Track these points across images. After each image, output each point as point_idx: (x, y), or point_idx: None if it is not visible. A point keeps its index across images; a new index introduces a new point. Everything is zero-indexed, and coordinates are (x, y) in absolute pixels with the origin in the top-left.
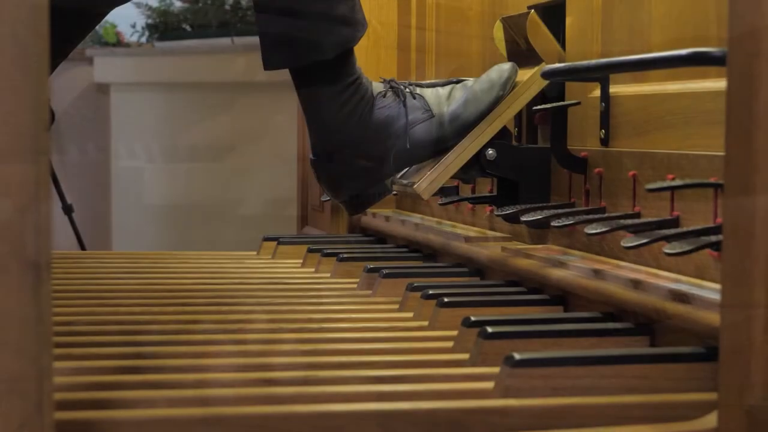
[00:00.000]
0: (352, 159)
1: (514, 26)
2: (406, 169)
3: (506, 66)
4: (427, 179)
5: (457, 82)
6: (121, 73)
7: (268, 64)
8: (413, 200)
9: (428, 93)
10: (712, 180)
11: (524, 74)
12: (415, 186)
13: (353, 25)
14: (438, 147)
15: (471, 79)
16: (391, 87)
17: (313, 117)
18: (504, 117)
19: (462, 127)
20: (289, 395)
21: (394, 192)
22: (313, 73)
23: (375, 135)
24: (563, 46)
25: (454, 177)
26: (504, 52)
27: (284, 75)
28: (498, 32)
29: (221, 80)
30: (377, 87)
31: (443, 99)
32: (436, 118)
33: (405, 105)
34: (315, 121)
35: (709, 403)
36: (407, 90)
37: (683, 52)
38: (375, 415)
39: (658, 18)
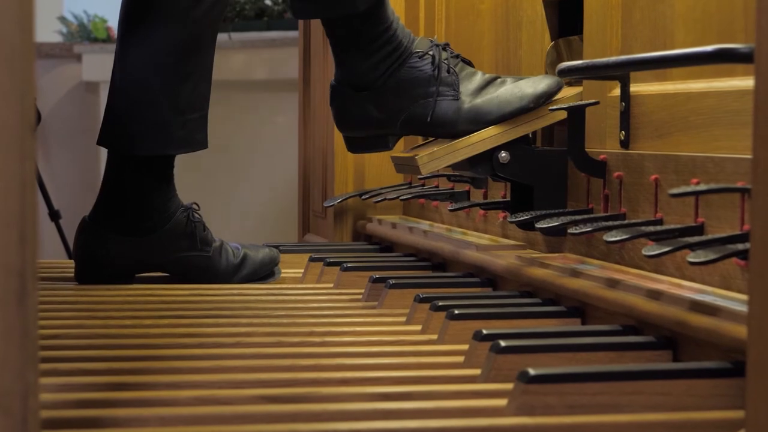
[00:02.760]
0: (366, 103)
1: (566, 48)
2: (418, 145)
3: (548, 81)
4: (431, 155)
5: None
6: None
7: (298, 13)
8: (420, 207)
9: (465, 74)
10: (738, 184)
11: (570, 91)
12: (417, 157)
13: None
14: (447, 130)
15: (512, 77)
16: (431, 54)
17: (340, 56)
18: (533, 125)
19: (477, 122)
20: (289, 413)
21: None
22: (342, 23)
23: (395, 90)
24: (581, 42)
25: (460, 169)
26: (554, 75)
27: (284, 74)
28: (551, 55)
29: (218, 78)
30: (421, 44)
31: (475, 88)
32: (459, 102)
33: (437, 75)
34: (341, 60)
35: (735, 421)
36: (445, 61)
37: (708, 48)
38: None
39: (682, 12)
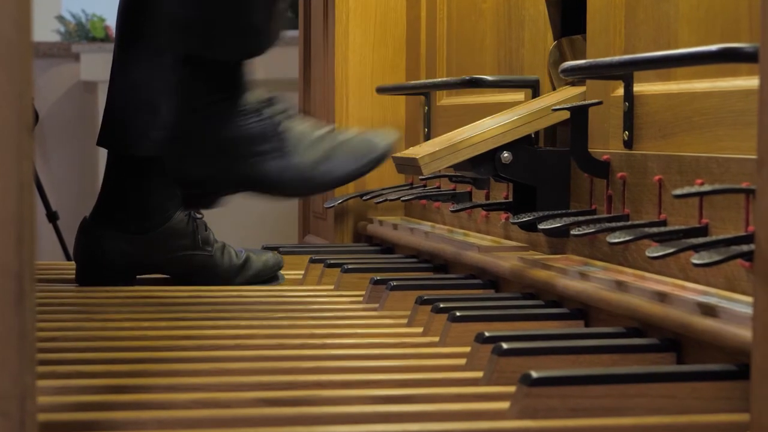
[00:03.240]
0: (195, 161)
1: (569, 47)
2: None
3: (383, 144)
4: (433, 155)
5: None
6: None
7: (167, 45)
8: (422, 208)
9: (294, 130)
10: (743, 185)
11: (573, 90)
12: (418, 158)
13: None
14: (276, 192)
15: (353, 131)
16: (261, 109)
17: (180, 95)
18: (535, 125)
19: (305, 187)
20: (290, 416)
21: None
22: (203, 65)
23: (224, 147)
24: (584, 41)
25: (462, 170)
26: (558, 76)
27: (284, 73)
28: (553, 54)
29: None
30: (252, 98)
31: (305, 145)
32: (286, 162)
33: (266, 133)
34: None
35: (740, 424)
36: (274, 117)
37: (712, 48)
38: None
39: (686, 12)
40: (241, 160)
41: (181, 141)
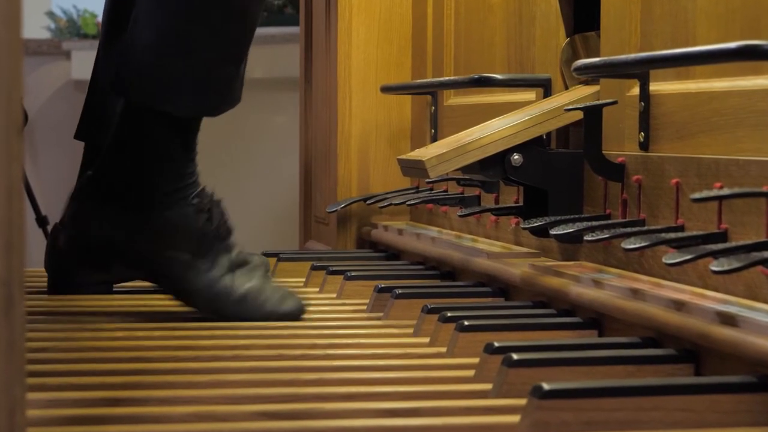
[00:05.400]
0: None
1: (583, 44)
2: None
3: (292, 305)
4: (440, 158)
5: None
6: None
7: (112, 88)
8: (428, 212)
9: (225, 244)
10: (764, 189)
11: (587, 90)
12: (425, 160)
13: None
14: (187, 302)
15: (262, 269)
16: (210, 207)
17: (122, 156)
18: (547, 126)
19: (214, 311)
20: (290, 430)
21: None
22: (156, 121)
23: (162, 227)
24: (598, 38)
25: (470, 172)
26: (570, 74)
27: (284, 71)
28: (566, 52)
29: None
30: (203, 194)
31: (228, 264)
32: (210, 277)
33: (210, 235)
34: (115, 163)
35: None
36: (221, 223)
37: (732, 45)
38: None
39: (704, 7)
40: (173, 253)
41: (122, 205)
